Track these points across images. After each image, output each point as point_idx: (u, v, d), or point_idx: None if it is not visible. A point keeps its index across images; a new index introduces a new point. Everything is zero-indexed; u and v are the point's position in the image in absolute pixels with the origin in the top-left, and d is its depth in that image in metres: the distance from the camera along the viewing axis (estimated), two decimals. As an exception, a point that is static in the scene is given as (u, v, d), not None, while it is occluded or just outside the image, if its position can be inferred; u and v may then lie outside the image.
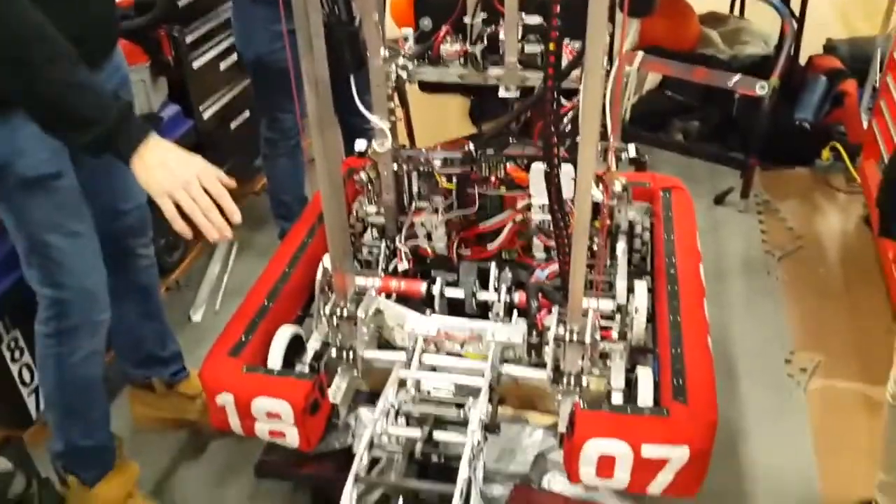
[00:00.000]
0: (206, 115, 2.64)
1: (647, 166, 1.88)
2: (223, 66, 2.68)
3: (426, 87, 1.79)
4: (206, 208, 1.30)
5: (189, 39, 2.48)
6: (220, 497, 1.90)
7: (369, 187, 1.76)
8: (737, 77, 2.43)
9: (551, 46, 1.20)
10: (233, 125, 2.81)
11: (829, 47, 3.22)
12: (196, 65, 2.53)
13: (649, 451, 1.28)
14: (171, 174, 1.29)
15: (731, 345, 2.27)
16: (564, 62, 1.41)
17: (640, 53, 2.54)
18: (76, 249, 1.56)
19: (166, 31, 2.37)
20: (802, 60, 3.19)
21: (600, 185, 1.59)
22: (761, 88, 2.38)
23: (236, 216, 1.33)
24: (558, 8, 1.17)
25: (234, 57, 2.65)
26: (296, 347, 1.61)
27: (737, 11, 3.65)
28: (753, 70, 2.64)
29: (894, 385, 1.50)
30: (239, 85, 2.77)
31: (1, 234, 1.62)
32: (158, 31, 2.36)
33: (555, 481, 1.46)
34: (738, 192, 2.88)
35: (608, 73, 1.46)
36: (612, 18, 1.40)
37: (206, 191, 1.31)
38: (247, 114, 2.85)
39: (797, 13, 3.25)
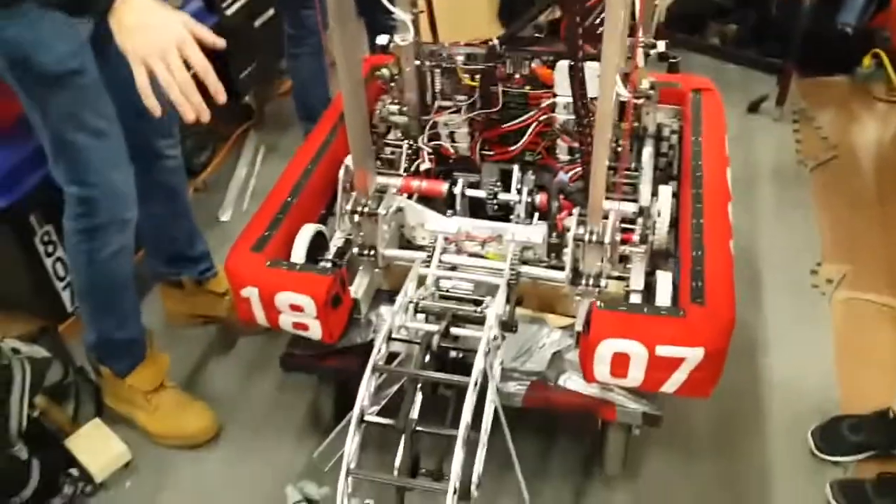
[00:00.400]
0: (230, 12, 2.58)
1: (679, 67, 1.83)
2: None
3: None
4: (183, 83, 1.19)
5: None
6: (247, 389, 1.96)
7: (392, 84, 1.74)
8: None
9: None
10: (257, 23, 2.76)
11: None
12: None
13: (664, 350, 1.28)
14: (147, 39, 1.18)
15: (757, 253, 2.25)
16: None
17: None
18: (101, 147, 1.56)
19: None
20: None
21: (627, 85, 1.55)
22: (801, -9, 2.28)
23: (220, 96, 1.21)
24: None
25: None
26: (319, 244, 1.63)
27: None
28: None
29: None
30: (265, -18, 2.71)
31: (29, 129, 1.63)
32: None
33: (570, 380, 1.49)
34: (773, 100, 2.79)
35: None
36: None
37: (188, 62, 1.20)
38: (272, 11, 2.79)
39: None
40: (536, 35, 1.70)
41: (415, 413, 1.18)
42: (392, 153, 1.80)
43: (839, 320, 2.05)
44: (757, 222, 2.36)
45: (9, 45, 1.42)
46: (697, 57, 2.92)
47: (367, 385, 1.23)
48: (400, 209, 1.58)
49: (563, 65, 1.55)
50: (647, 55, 1.60)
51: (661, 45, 1.66)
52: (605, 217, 1.37)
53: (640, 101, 1.60)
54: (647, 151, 1.69)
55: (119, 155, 1.60)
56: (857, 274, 2.17)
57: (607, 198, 1.36)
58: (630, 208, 1.51)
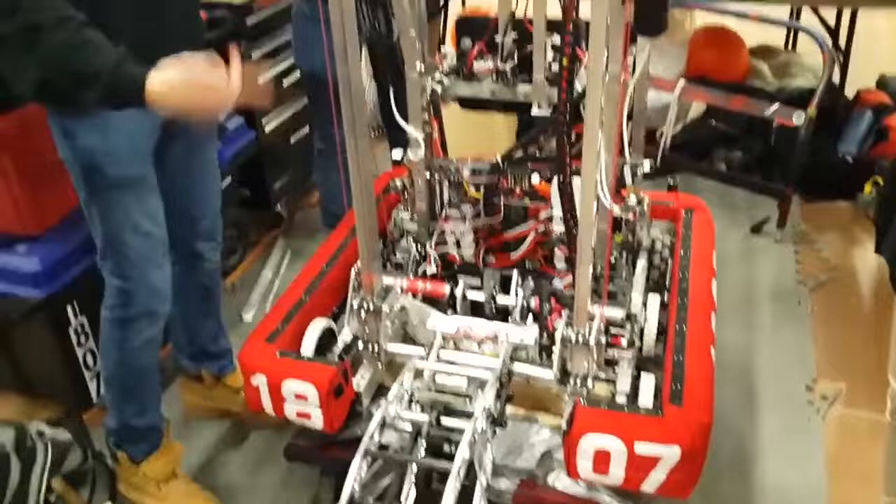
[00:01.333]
0: (268, 129, 2.82)
1: (680, 188, 1.96)
2: (286, 82, 2.85)
3: (465, 103, 1.90)
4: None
5: (255, 56, 2.66)
6: (254, 482, 2.02)
7: (404, 195, 1.89)
8: (774, 106, 2.47)
9: (564, 62, 1.31)
10: (293, 139, 2.98)
11: (881, 83, 3.22)
12: (261, 80, 2.70)
13: (642, 448, 1.34)
14: (184, 100, 1.35)
15: (754, 368, 2.29)
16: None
17: (682, 81, 2.61)
18: (147, 247, 1.71)
19: (235, 46, 2.55)
20: (851, 94, 3.20)
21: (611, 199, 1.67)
22: (798, 118, 2.42)
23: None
24: (571, 26, 1.28)
25: (296, 74, 2.82)
26: (328, 340, 1.74)
27: (790, 46, 3.70)
28: (800, 102, 2.67)
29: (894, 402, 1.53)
30: (300, 101, 2.94)
31: (75, 224, 1.79)
32: (228, 45, 2.53)
33: (559, 479, 1.54)
34: (775, 222, 2.90)
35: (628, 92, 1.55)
36: (634, 39, 1.49)
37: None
38: (306, 129, 3.02)
39: (843, 46, 3.28)
40: (537, 153, 1.85)
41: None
42: (402, 257, 1.93)
43: (832, 435, 2.08)
44: (755, 338, 2.42)
45: (83, 154, 1.60)
46: (704, 181, 3.06)
47: (357, 468, 1.31)
48: (403, 308, 1.69)
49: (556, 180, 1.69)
50: (633, 174, 1.73)
51: (647, 165, 1.79)
52: (590, 318, 1.46)
53: (630, 215, 1.72)
54: (640, 263, 1.80)
55: (161, 254, 1.74)
56: (852, 391, 2.20)
57: (593, 302, 1.46)
58: (617, 313, 1.60)
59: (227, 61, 2.41)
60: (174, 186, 1.77)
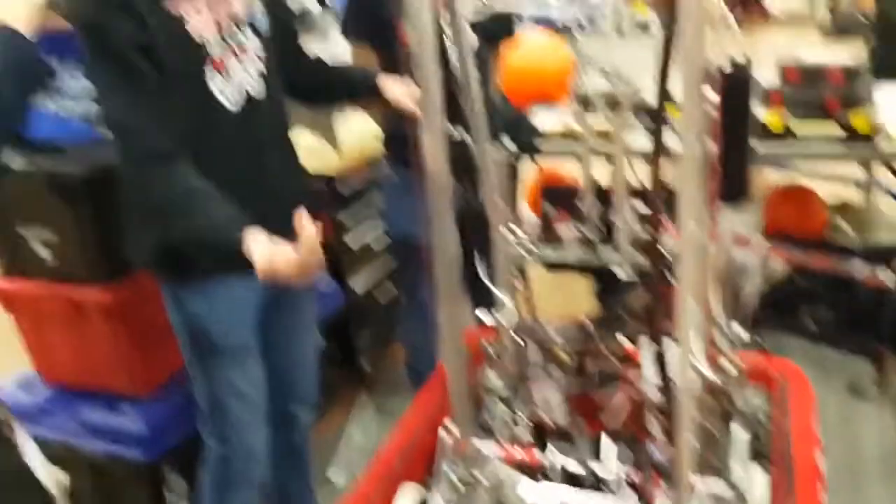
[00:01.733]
0: (357, 288, 2.92)
1: (769, 350, 1.93)
2: (375, 246, 2.98)
3: (550, 266, 1.95)
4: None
5: (347, 222, 2.81)
6: None
7: (491, 356, 1.91)
8: (861, 265, 2.45)
9: (651, 231, 1.35)
10: (380, 299, 3.08)
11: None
12: (350, 243, 2.85)
13: None
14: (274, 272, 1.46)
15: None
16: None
17: (762, 240, 2.61)
18: (247, 412, 1.77)
19: (328, 214, 2.72)
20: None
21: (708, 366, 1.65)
22: (886, 277, 2.38)
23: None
24: (658, 200, 1.33)
25: (385, 238, 2.95)
26: (418, 506, 1.71)
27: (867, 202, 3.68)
28: (883, 258, 2.64)
29: None
30: (387, 263, 3.06)
31: (178, 388, 1.87)
32: (322, 213, 2.70)
33: None
34: (872, 383, 2.79)
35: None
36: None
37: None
38: (392, 288, 3.12)
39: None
40: (627, 316, 1.86)
41: None
42: (490, 420, 1.92)
43: None
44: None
45: (191, 320, 1.70)
46: (791, 340, 2.99)
47: None
48: (494, 474, 1.67)
49: (649, 347, 1.69)
50: (731, 341, 1.72)
51: (743, 332, 1.77)
52: (691, 490, 1.41)
53: (724, 381, 1.69)
54: (739, 432, 1.75)
55: (259, 419, 1.80)
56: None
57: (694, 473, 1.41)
58: (719, 487, 1.55)
59: (323, 230, 2.56)
60: (274, 350, 1.85)
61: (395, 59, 2.29)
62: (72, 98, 2.12)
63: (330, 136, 2.87)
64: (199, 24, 1.55)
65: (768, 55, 2.51)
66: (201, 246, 1.54)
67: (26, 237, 2.07)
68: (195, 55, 1.55)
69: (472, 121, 1.56)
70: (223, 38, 1.60)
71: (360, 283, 2.94)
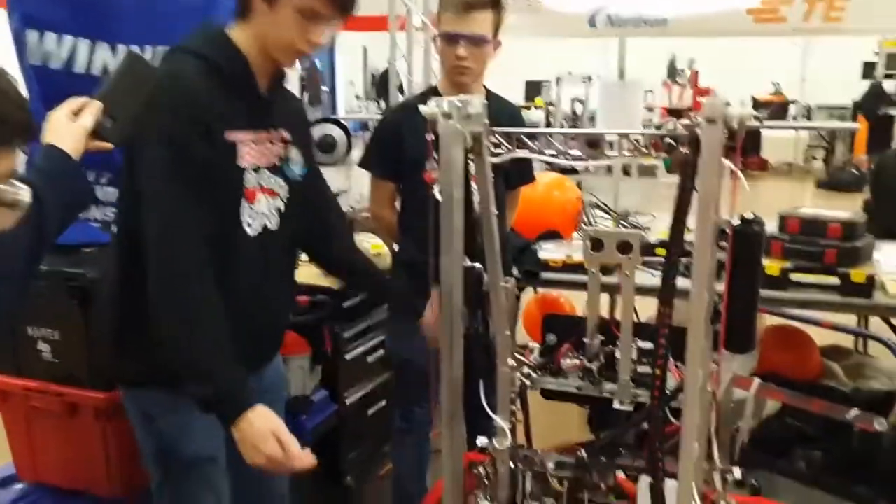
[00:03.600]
0: (349, 401, 2.93)
1: (761, 492, 1.94)
2: (370, 359, 3.01)
3: (548, 394, 1.97)
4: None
5: (347, 335, 2.85)
6: None
7: (486, 482, 1.90)
8: (854, 411, 2.48)
9: (657, 371, 1.39)
10: (370, 412, 3.08)
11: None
12: (348, 357, 2.88)
13: None
14: (256, 453, 1.56)
15: None
16: (673, 384, 1.58)
17: (757, 380, 2.67)
18: None
19: (329, 326, 2.76)
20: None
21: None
22: (880, 425, 2.41)
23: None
24: (663, 339, 1.38)
25: (380, 352, 2.99)
26: None
27: (860, 347, 3.76)
28: (876, 405, 2.67)
29: None
30: (380, 377, 3.08)
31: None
32: (324, 326, 2.74)
33: None
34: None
35: (714, 397, 1.61)
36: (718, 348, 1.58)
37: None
38: (383, 403, 3.12)
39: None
40: (622, 449, 1.87)
41: None
42: (481, 549, 1.90)
43: None
44: None
45: (160, 436, 1.72)
46: (784, 481, 2.97)
47: None
48: None
49: (645, 480, 1.70)
50: (724, 480, 1.73)
51: (738, 473, 1.79)
52: None
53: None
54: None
55: None
56: None
57: None
58: None
59: (323, 341, 2.60)
60: (241, 468, 1.84)
61: (415, 195, 2.42)
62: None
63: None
64: (246, 157, 1.68)
65: (766, 205, 2.63)
66: (213, 393, 1.60)
67: (33, 336, 2.10)
68: (237, 182, 1.67)
69: (489, 255, 1.62)
70: (259, 175, 1.72)
71: (351, 395, 2.95)
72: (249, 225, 1.70)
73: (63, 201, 1.36)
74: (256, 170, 1.71)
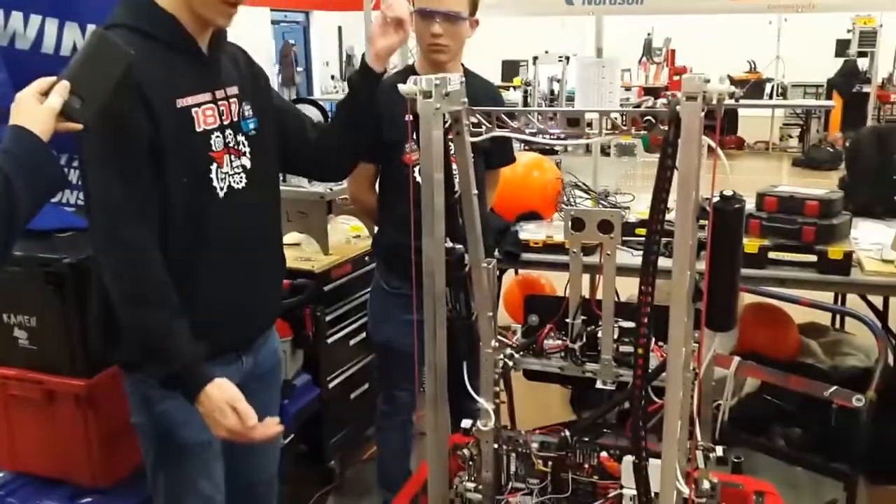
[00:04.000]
0: (331, 385, 2.92)
1: (742, 468, 1.95)
2: (352, 342, 3.00)
3: (530, 375, 1.98)
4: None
5: (328, 318, 2.83)
6: None
7: (470, 463, 1.90)
8: (833, 388, 2.51)
9: (639, 350, 1.40)
10: (352, 395, 3.07)
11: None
12: (330, 341, 2.86)
13: None
14: (217, 426, 1.59)
15: None
16: (655, 363, 1.58)
17: (737, 359, 2.69)
18: None
19: (311, 310, 2.74)
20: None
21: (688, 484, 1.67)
22: (857, 401, 2.44)
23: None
24: (646, 318, 1.38)
25: (362, 335, 2.98)
26: None
27: (837, 324, 3.80)
28: (854, 382, 2.70)
29: None
30: (362, 361, 3.08)
31: (142, 479, 1.84)
32: (305, 309, 2.73)
33: None
34: (844, 505, 2.80)
35: (697, 376, 1.62)
36: (699, 327, 1.59)
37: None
38: (365, 386, 3.11)
39: (894, 328, 3.35)
40: (605, 429, 1.88)
41: None
42: (467, 529, 1.90)
43: None
44: None
45: (158, 419, 1.70)
46: (763, 458, 3.01)
47: None
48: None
49: (628, 459, 1.71)
50: (706, 458, 1.74)
51: (720, 450, 1.80)
52: None
53: (703, 500, 1.71)
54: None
55: None
56: None
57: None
58: None
59: (305, 324, 2.58)
60: (235, 450, 1.83)
61: (395, 176, 2.41)
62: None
63: (323, 241, 2.93)
64: (205, 120, 1.66)
65: (744, 183, 2.64)
66: (168, 364, 1.60)
67: (8, 323, 2.06)
68: (203, 147, 1.66)
69: (470, 237, 1.61)
70: (224, 135, 1.70)
71: (334, 378, 2.94)
72: (222, 189, 1.69)
73: (33, 184, 1.33)
74: (221, 130, 1.69)
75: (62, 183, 1.77)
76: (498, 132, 1.53)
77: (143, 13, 1.62)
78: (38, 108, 1.36)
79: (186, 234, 1.64)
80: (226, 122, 1.71)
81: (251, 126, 1.78)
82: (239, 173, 1.73)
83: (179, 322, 1.59)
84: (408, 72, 2.52)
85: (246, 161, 1.75)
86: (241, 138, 1.75)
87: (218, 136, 1.69)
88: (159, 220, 1.60)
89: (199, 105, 1.65)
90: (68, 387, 2.05)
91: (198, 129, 1.65)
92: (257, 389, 1.84)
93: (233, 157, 1.72)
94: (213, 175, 1.67)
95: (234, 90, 1.75)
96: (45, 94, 1.38)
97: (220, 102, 1.70)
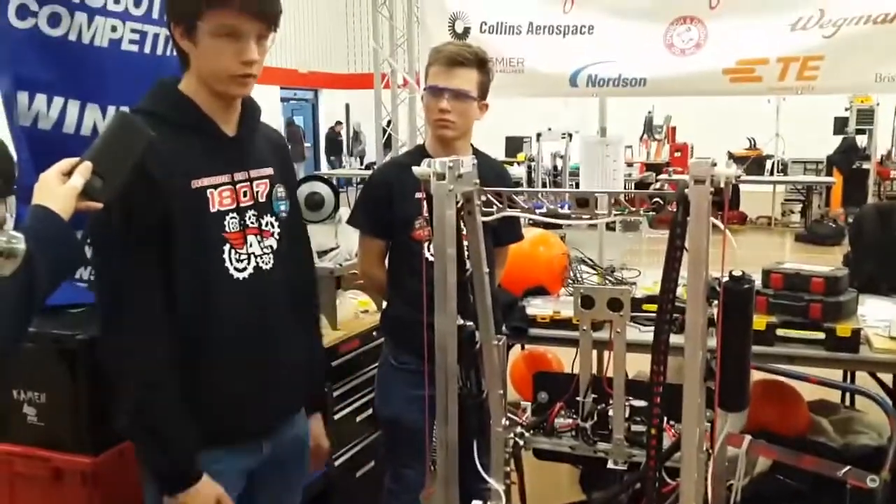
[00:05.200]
0: (338, 463, 2.88)
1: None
2: (358, 419, 2.98)
3: (540, 454, 1.96)
4: None
5: (336, 394, 2.82)
6: None
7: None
8: (846, 468, 2.47)
9: (652, 430, 1.39)
10: (358, 474, 3.03)
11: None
12: (337, 417, 2.84)
13: None
14: None
15: None
16: (667, 443, 1.57)
17: (748, 437, 2.65)
18: None
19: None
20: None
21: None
22: (872, 481, 2.40)
23: None
24: (658, 399, 1.38)
25: (368, 411, 2.95)
26: None
27: (847, 402, 3.76)
28: (866, 461, 2.66)
29: None
30: (368, 438, 3.04)
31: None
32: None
33: None
34: None
35: (710, 455, 1.61)
36: (712, 406, 1.58)
37: None
38: (371, 464, 3.07)
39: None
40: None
41: None
42: None
43: None
44: None
45: None
46: (778, 540, 2.95)
47: None
48: None
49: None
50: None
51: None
52: None
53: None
54: None
55: None
56: None
57: None
58: None
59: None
60: None
61: (404, 252, 2.45)
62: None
63: (331, 316, 2.94)
64: (220, 202, 1.68)
65: (747, 259, 2.67)
66: (165, 454, 1.63)
67: (18, 399, 2.06)
68: (215, 228, 1.67)
69: (481, 314, 1.63)
70: (243, 216, 1.72)
71: (340, 456, 2.90)
72: (238, 269, 1.69)
73: (53, 261, 1.36)
74: (240, 211, 1.71)
75: (81, 260, 1.80)
76: (509, 212, 1.56)
77: (162, 98, 1.69)
78: (60, 188, 1.40)
79: (196, 313, 1.65)
80: (245, 204, 1.73)
81: (282, 208, 1.81)
82: (267, 254, 1.75)
83: (179, 413, 1.61)
84: (418, 152, 2.58)
85: (273, 242, 1.77)
86: (270, 219, 1.77)
87: (234, 218, 1.70)
88: (166, 300, 1.62)
89: (214, 186, 1.67)
90: (75, 464, 2.03)
91: (212, 210, 1.67)
92: (273, 481, 1.84)
93: (259, 237, 1.74)
94: (225, 256, 1.68)
95: (265, 171, 1.78)
96: (68, 174, 1.42)
97: (241, 184, 1.72)
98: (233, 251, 1.69)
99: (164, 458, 1.62)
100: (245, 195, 1.73)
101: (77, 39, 2.20)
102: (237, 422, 1.71)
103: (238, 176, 1.72)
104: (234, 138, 1.73)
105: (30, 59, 2.14)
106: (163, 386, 1.60)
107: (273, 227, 1.78)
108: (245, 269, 1.70)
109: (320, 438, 2.04)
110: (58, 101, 2.21)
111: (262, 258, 1.74)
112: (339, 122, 18.23)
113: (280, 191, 1.81)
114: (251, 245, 1.72)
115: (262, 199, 1.76)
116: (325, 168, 18.63)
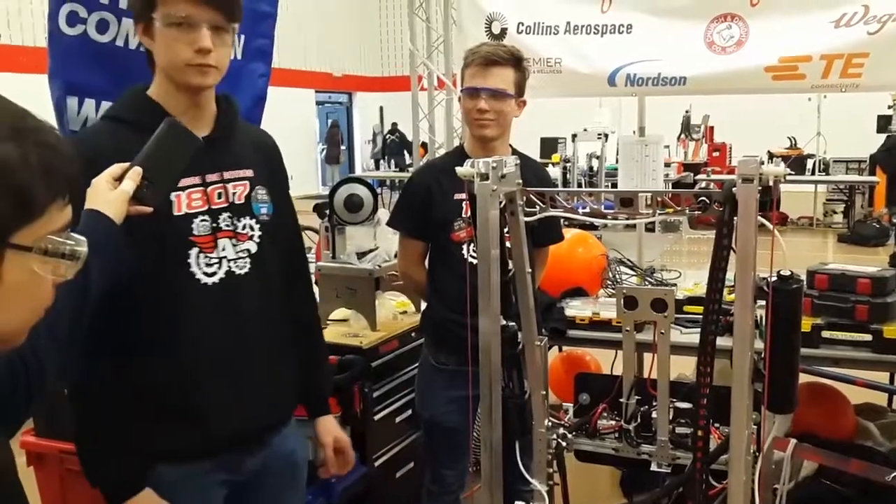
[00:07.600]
0: (378, 463, 2.90)
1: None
2: (398, 419, 2.99)
3: (582, 456, 1.95)
4: None
5: (376, 395, 2.83)
6: None
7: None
8: (894, 473, 2.42)
9: (699, 432, 1.38)
10: (398, 474, 3.04)
11: None
12: (377, 417, 2.86)
13: None
14: None
15: None
16: (713, 445, 1.56)
17: (794, 441, 2.61)
18: None
19: (359, 386, 2.75)
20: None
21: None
22: (922, 486, 2.36)
23: None
24: (705, 400, 1.37)
25: (408, 412, 2.96)
26: None
27: (895, 405, 3.69)
28: (917, 466, 2.60)
29: None
30: (408, 438, 3.05)
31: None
32: (353, 386, 2.74)
33: None
34: None
35: (756, 458, 1.59)
36: (759, 408, 1.56)
37: None
38: (411, 465, 3.08)
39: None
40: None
41: None
42: None
43: None
44: None
45: None
46: (824, 544, 2.89)
47: None
48: None
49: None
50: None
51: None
52: None
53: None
54: None
55: None
56: None
57: None
58: None
59: (353, 401, 2.54)
60: None
61: (444, 253, 2.46)
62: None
63: (371, 318, 2.95)
64: (187, 205, 1.64)
65: (790, 260, 2.63)
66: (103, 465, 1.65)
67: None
68: (180, 232, 1.63)
69: (524, 314, 1.63)
70: (215, 219, 1.67)
71: (380, 456, 2.92)
72: (207, 273, 1.65)
73: (108, 264, 1.39)
74: (211, 214, 1.66)
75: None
76: (552, 212, 1.56)
77: (129, 104, 1.67)
78: (112, 193, 1.43)
79: (158, 318, 1.62)
80: (218, 206, 1.68)
81: (263, 210, 1.74)
82: (243, 258, 1.69)
83: (122, 433, 1.60)
84: (457, 153, 2.58)
85: (252, 245, 1.71)
86: (248, 222, 1.72)
87: (204, 220, 1.65)
88: (127, 307, 1.57)
89: (182, 189, 1.62)
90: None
91: (176, 213, 1.62)
92: (260, 498, 1.81)
93: (234, 241, 1.69)
94: (191, 260, 1.63)
95: (243, 172, 1.72)
96: (118, 179, 1.45)
97: (213, 186, 1.67)
98: (201, 255, 1.64)
99: (102, 471, 1.64)
100: (220, 197, 1.67)
101: (124, 45, 2.24)
102: (200, 433, 1.65)
103: (210, 177, 1.67)
104: (206, 139, 1.63)
105: (79, 66, 2.18)
106: (101, 399, 1.61)
107: (252, 229, 1.72)
108: (215, 273, 1.65)
109: (330, 437, 1.92)
110: (105, 106, 2.25)
111: (235, 262, 1.68)
112: (394, 124, 18.23)
113: (261, 193, 1.74)
114: (223, 249, 1.66)
115: (238, 201, 1.70)
116: (359, 171, 18.76)
